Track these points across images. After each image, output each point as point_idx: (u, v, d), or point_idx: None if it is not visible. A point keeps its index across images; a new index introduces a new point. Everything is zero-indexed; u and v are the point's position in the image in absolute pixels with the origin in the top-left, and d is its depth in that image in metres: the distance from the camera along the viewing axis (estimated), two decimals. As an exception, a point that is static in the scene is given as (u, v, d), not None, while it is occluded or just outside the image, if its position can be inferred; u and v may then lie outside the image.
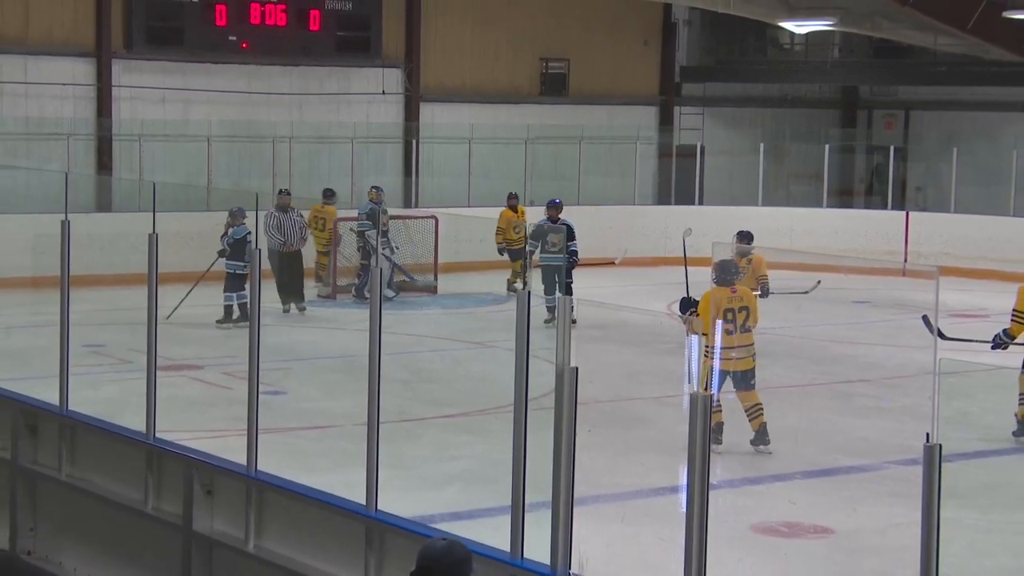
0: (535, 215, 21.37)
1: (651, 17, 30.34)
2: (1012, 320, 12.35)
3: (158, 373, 8.83)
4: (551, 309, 17.73)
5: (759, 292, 15.11)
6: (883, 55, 32.81)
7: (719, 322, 11.16)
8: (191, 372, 14.57)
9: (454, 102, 27.87)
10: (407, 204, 25.82)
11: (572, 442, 6.09)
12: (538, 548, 6.28)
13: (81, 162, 23.64)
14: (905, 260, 25.49)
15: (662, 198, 29.22)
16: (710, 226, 22.51)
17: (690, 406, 5.50)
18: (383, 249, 19.92)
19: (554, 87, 29.19)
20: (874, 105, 33.92)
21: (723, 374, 11.20)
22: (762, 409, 11.40)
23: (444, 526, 7.85)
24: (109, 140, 24.14)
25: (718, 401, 11.00)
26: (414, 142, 26.84)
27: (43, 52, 23.44)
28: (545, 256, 18.47)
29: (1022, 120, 29.81)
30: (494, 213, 21.19)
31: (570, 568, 6.16)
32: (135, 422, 8.96)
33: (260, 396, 8.06)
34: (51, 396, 9.68)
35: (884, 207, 28.10)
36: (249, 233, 17.77)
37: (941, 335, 11.79)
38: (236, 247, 17.78)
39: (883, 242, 26.08)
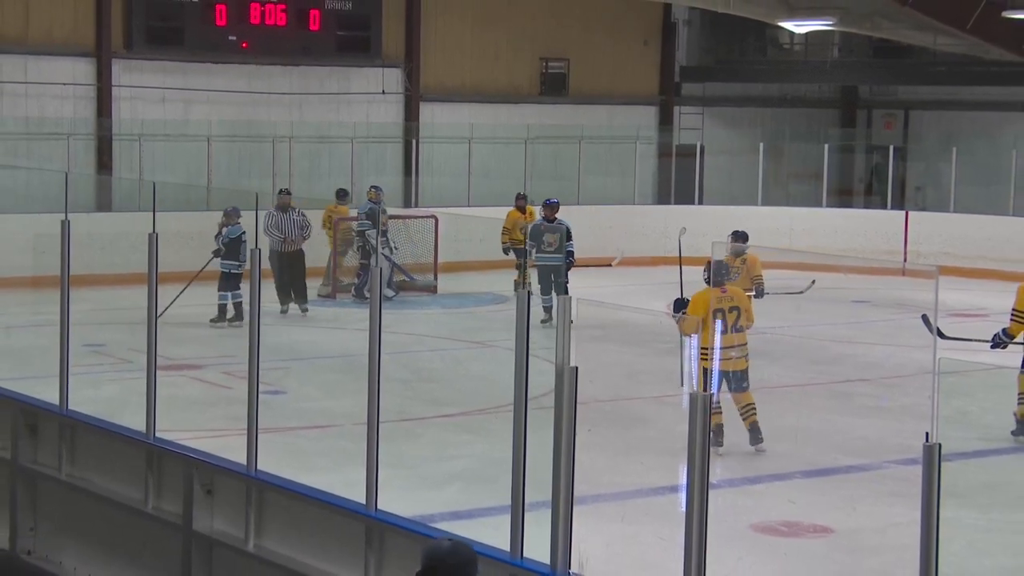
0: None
1: (651, 17, 30.35)
2: (1011, 319, 12.35)
3: (158, 373, 8.84)
4: (547, 309, 17.75)
5: (754, 292, 15.10)
6: (883, 55, 32.81)
7: (718, 322, 11.15)
8: (191, 372, 14.58)
9: (454, 102, 27.87)
10: (407, 204, 25.82)
11: (572, 441, 6.10)
12: (538, 547, 6.28)
13: (81, 162, 23.65)
14: (904, 260, 25.50)
15: (662, 198, 29.22)
16: (710, 226, 22.52)
17: (690, 406, 5.51)
18: (383, 249, 19.92)
19: (554, 87, 29.20)
20: (874, 105, 33.93)
21: (717, 374, 11.18)
22: (755, 409, 11.40)
23: (444, 525, 7.86)
24: (109, 140, 24.14)
25: (718, 402, 11.00)
26: (414, 142, 26.85)
27: (43, 52, 23.45)
28: (541, 256, 18.46)
29: (1022, 120, 29.81)
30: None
31: (570, 567, 6.16)
32: (135, 422, 8.97)
33: (260, 396, 8.06)
34: (51, 396, 9.68)
35: (884, 207, 28.10)
36: (244, 232, 17.78)
37: (940, 334, 11.79)
38: (230, 247, 17.78)
39: (883, 242, 26.09)
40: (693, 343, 10.18)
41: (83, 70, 23.90)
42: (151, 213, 9.55)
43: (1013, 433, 12.21)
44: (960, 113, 31.31)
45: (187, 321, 17.56)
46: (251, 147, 25.12)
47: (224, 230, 17.89)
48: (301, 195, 22.93)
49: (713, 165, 29.34)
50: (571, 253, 18.40)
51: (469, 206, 25.48)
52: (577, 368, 6.05)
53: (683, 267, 13.28)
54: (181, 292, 16.97)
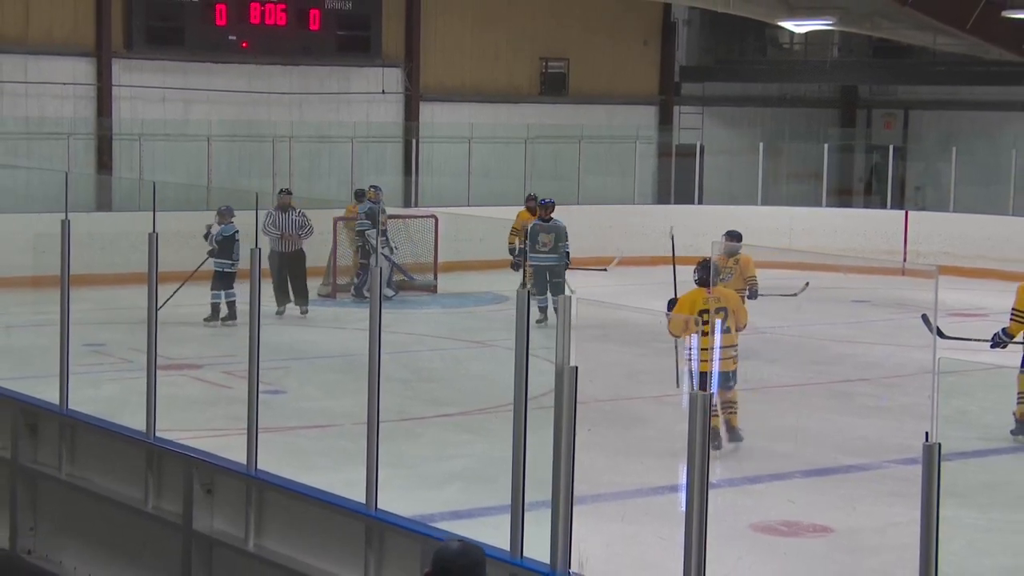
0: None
1: (651, 17, 30.35)
2: (1011, 319, 12.35)
3: (158, 372, 8.84)
4: (543, 310, 17.74)
5: (747, 293, 15.09)
6: (882, 55, 32.82)
7: (719, 322, 11.14)
8: (191, 371, 14.58)
9: (454, 102, 27.88)
10: (407, 203, 25.83)
11: (572, 441, 6.10)
12: (538, 547, 6.29)
13: (81, 161, 23.66)
14: (904, 259, 25.51)
15: (662, 197, 29.23)
16: (709, 225, 22.52)
17: (690, 405, 5.52)
18: (382, 249, 19.92)
19: (554, 87, 29.20)
20: (873, 104, 33.93)
21: (716, 375, 11.15)
22: (736, 408, 11.36)
23: (444, 525, 7.86)
24: (109, 140, 24.15)
25: (715, 405, 11.00)
26: (414, 141, 26.85)
27: (43, 52, 23.46)
28: (536, 256, 18.44)
29: (1021, 120, 29.81)
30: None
31: (570, 567, 6.17)
32: (135, 421, 8.97)
33: (260, 395, 8.06)
34: (51, 395, 9.69)
35: (883, 206, 28.10)
36: (237, 232, 17.78)
37: (940, 334, 11.79)
38: (223, 245, 17.79)
39: (882, 241, 26.09)
40: (693, 343, 10.17)
41: (83, 70, 23.91)
42: (151, 213, 9.54)
43: (1012, 432, 12.21)
44: (960, 113, 31.32)
45: (187, 321, 17.58)
46: (251, 147, 25.13)
47: (214, 230, 17.88)
48: (301, 195, 22.92)
49: (713, 165, 29.35)
50: (566, 254, 18.36)
51: (469, 206, 25.49)
52: (577, 368, 6.05)
53: (678, 267, 13.27)
54: (174, 293, 16.96)
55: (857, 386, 14.49)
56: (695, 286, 11.73)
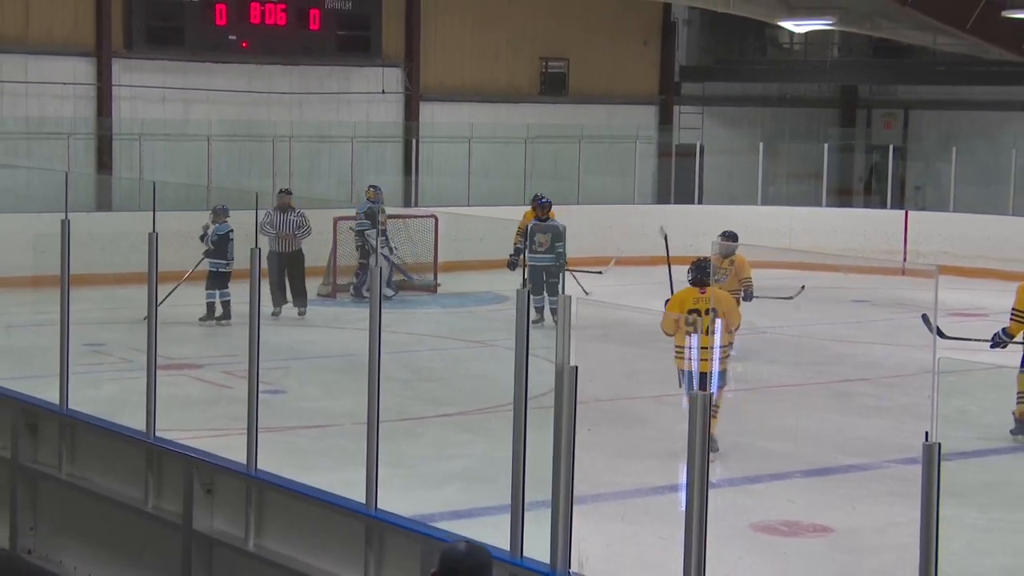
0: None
1: (651, 17, 30.35)
2: (1011, 319, 12.35)
3: (158, 372, 8.84)
4: (539, 310, 17.73)
5: (742, 294, 15.08)
6: (882, 55, 32.82)
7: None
8: (191, 371, 14.58)
9: (454, 101, 27.88)
10: (407, 203, 25.83)
11: (572, 441, 6.10)
12: (538, 547, 6.29)
13: (81, 161, 23.65)
14: (904, 259, 25.50)
15: (662, 197, 29.23)
16: (709, 225, 22.53)
17: (689, 405, 5.52)
18: (382, 248, 19.92)
19: (554, 87, 29.20)
20: (873, 104, 33.93)
21: (685, 374, 11.11)
22: (716, 412, 11.29)
23: (444, 525, 7.86)
24: (109, 139, 24.15)
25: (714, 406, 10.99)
26: (414, 141, 26.85)
27: (43, 52, 23.45)
28: (532, 256, 18.43)
29: (1021, 120, 29.82)
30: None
31: (570, 567, 6.17)
32: (135, 421, 8.97)
33: (260, 395, 8.06)
34: (51, 395, 9.69)
35: (883, 206, 28.10)
36: (231, 231, 17.77)
37: (940, 333, 11.79)
38: (218, 245, 17.79)
39: (882, 241, 26.09)
40: (693, 343, 10.17)
41: (83, 70, 23.91)
42: (151, 213, 9.54)
43: (1012, 432, 12.21)
44: (960, 113, 31.32)
45: (188, 321, 17.59)
46: (251, 147, 25.13)
47: (209, 229, 17.88)
48: (301, 195, 22.92)
49: (713, 165, 29.35)
50: (562, 254, 18.35)
51: (469, 206, 25.49)
52: (577, 368, 6.06)
53: (674, 266, 13.27)
54: (169, 293, 16.96)
55: (857, 386, 14.50)
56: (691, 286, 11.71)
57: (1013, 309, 12.33)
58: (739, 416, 11.47)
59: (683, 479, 5.55)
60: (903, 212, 26.92)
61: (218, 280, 17.83)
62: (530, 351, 6.29)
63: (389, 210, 21.32)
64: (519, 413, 6.29)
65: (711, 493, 5.51)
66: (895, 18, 28.52)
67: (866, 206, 30.30)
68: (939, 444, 4.94)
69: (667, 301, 12.08)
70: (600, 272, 19.27)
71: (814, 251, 25.83)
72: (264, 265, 17.60)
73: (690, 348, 10.88)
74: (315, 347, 17.23)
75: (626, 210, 26.71)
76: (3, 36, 23.16)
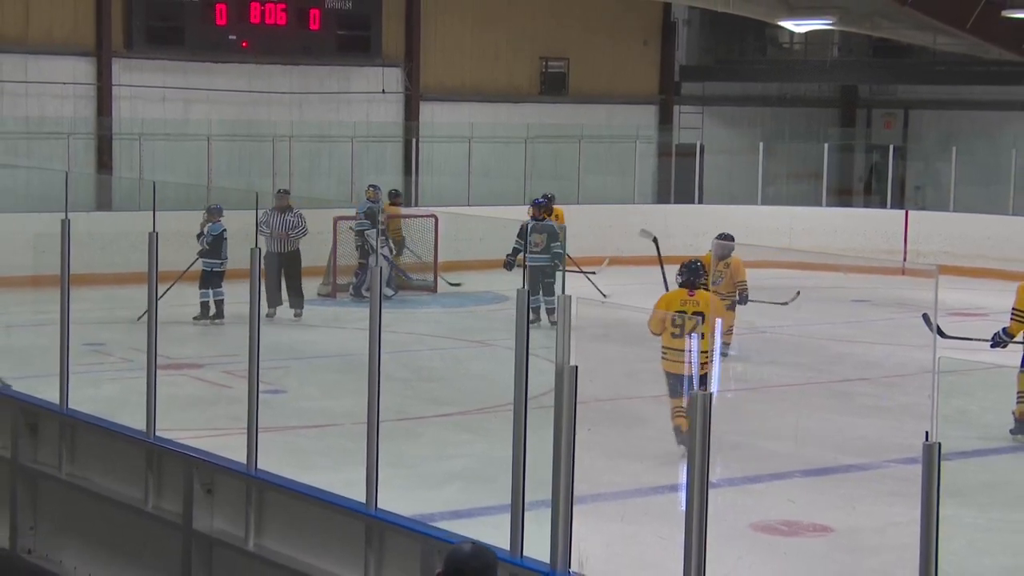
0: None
1: (651, 17, 30.36)
2: (1011, 319, 12.35)
3: (158, 372, 8.84)
4: (535, 310, 17.72)
5: (737, 298, 15.07)
6: (882, 54, 32.83)
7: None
8: (191, 371, 14.58)
9: (454, 101, 27.88)
10: (407, 203, 25.82)
11: (572, 441, 6.10)
12: (538, 546, 6.29)
13: (81, 161, 23.66)
14: (904, 259, 25.50)
15: (662, 197, 29.23)
16: (709, 225, 22.54)
17: (690, 406, 5.51)
18: (381, 248, 19.91)
19: (554, 86, 29.21)
20: (873, 104, 33.93)
21: (672, 376, 11.10)
22: None
23: (444, 524, 7.86)
24: (109, 139, 24.16)
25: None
26: (414, 141, 26.86)
27: (43, 51, 23.46)
28: (529, 257, 18.43)
29: (1021, 119, 29.82)
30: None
31: (570, 567, 6.17)
32: (135, 421, 8.97)
33: (260, 395, 8.06)
34: (51, 395, 9.68)
35: (883, 206, 28.10)
36: (225, 231, 17.77)
37: (941, 333, 11.78)
38: (212, 244, 17.79)
39: (882, 241, 26.10)
40: (693, 343, 10.16)
41: (83, 69, 23.91)
42: (151, 212, 9.54)
43: (1012, 432, 12.21)
44: (960, 113, 31.32)
45: (187, 320, 17.59)
46: (251, 146, 25.13)
47: (206, 228, 17.88)
48: (301, 195, 22.93)
49: (713, 164, 29.35)
50: (558, 254, 18.35)
51: (469, 205, 25.49)
52: (577, 367, 6.05)
53: (667, 266, 13.25)
54: (164, 293, 16.95)
55: (857, 386, 14.49)
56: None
57: (1013, 309, 12.33)
58: (739, 416, 11.46)
59: (683, 479, 5.55)
60: (903, 212, 26.92)
61: (212, 279, 17.82)
62: (530, 351, 6.29)
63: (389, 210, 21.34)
64: (519, 413, 6.29)
65: (711, 493, 5.51)
66: (895, 18, 28.53)
67: (866, 206, 30.30)
68: (939, 444, 4.94)
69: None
70: (594, 272, 19.26)
71: (814, 251, 25.83)
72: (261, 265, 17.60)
73: (690, 351, 10.86)
74: (315, 347, 17.23)
75: (626, 210, 26.70)
76: (3, 36, 23.17)
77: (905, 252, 25.86)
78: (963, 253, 25.05)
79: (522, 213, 19.80)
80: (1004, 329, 12.42)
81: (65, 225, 9.52)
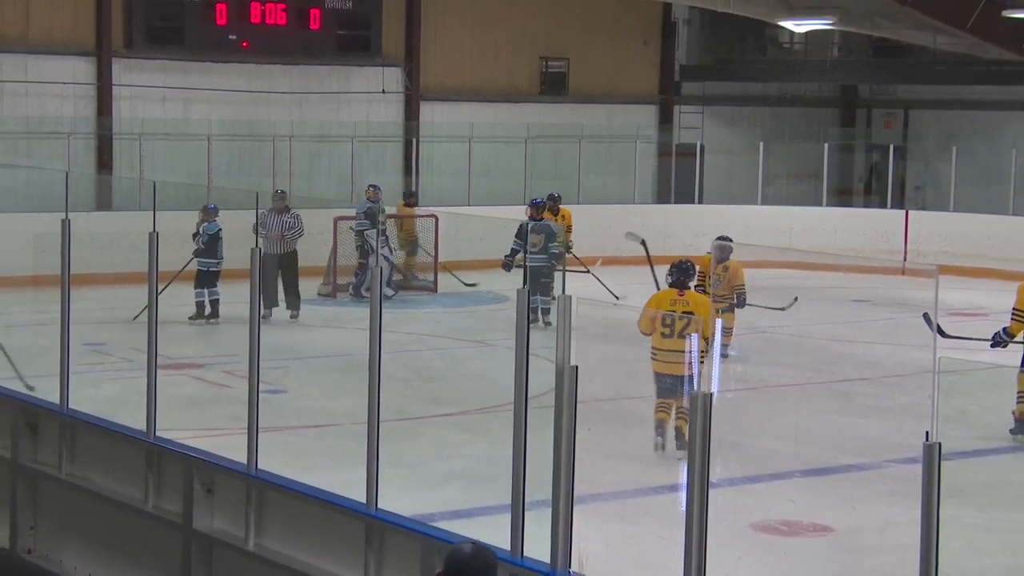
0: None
1: (651, 16, 30.35)
2: (1012, 319, 12.36)
3: (158, 372, 8.84)
4: (532, 310, 17.71)
5: (735, 301, 15.05)
6: (882, 54, 32.82)
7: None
8: (191, 371, 14.58)
9: (454, 101, 27.88)
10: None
11: (572, 441, 6.10)
12: (538, 546, 6.29)
13: (81, 161, 23.65)
14: (904, 259, 25.50)
15: (662, 197, 29.24)
16: (709, 225, 22.54)
17: (690, 405, 5.51)
18: (381, 248, 19.91)
19: (554, 86, 29.20)
20: (873, 104, 33.93)
21: (661, 376, 11.08)
22: (688, 416, 11.23)
23: (444, 524, 7.86)
24: (109, 139, 24.15)
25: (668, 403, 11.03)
26: (414, 141, 26.86)
27: (43, 51, 23.46)
28: (529, 257, 18.43)
29: (1021, 119, 29.82)
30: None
31: (570, 566, 6.17)
32: (135, 421, 8.97)
33: (260, 395, 8.06)
34: (51, 395, 9.69)
35: (883, 206, 28.10)
36: (220, 230, 17.76)
37: (941, 332, 11.79)
38: (207, 244, 17.78)
39: (882, 241, 26.09)
40: (693, 343, 10.15)
41: (83, 69, 23.91)
42: (151, 212, 9.54)
43: (1012, 432, 12.21)
44: (960, 112, 31.32)
45: (186, 320, 17.58)
46: (251, 146, 25.13)
47: (202, 228, 17.87)
48: (301, 194, 22.93)
49: (713, 164, 29.35)
50: (555, 255, 18.35)
51: (469, 205, 25.49)
52: (577, 367, 6.05)
53: (657, 267, 13.23)
54: (160, 292, 16.92)
55: (857, 386, 14.49)
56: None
57: (1014, 309, 12.34)
58: (739, 416, 11.45)
59: (683, 479, 5.55)
60: (903, 212, 26.92)
61: (207, 279, 17.82)
62: (530, 351, 6.29)
63: (389, 210, 21.32)
64: (519, 413, 6.29)
65: (711, 493, 5.51)
66: (895, 18, 28.52)
67: (866, 206, 30.30)
68: (939, 444, 4.94)
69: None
70: (588, 270, 19.24)
71: (814, 251, 25.84)
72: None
73: (684, 351, 10.86)
74: (315, 347, 17.22)
75: (626, 210, 26.69)
76: (3, 36, 23.16)
77: (905, 252, 25.86)
78: (963, 253, 25.05)
79: (522, 213, 19.78)
80: (1004, 329, 12.43)
81: (65, 225, 9.52)
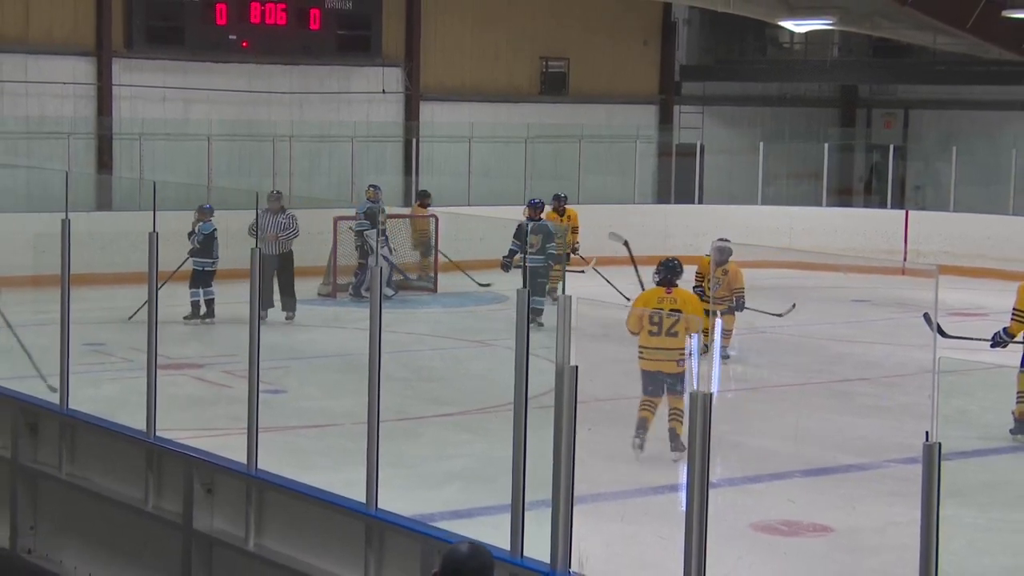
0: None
1: (651, 16, 30.35)
2: (1012, 319, 12.36)
3: (158, 372, 8.84)
4: (533, 311, 17.67)
5: (734, 304, 15.04)
6: (882, 54, 32.82)
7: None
8: (191, 371, 14.58)
9: (454, 101, 27.88)
10: (407, 203, 25.81)
11: (572, 440, 6.10)
12: (538, 546, 6.29)
13: (81, 161, 23.65)
14: (904, 259, 25.50)
15: (662, 197, 29.23)
16: (709, 225, 22.54)
17: (689, 405, 5.51)
18: (381, 248, 19.90)
19: (554, 86, 29.21)
20: (873, 104, 33.93)
21: (648, 374, 11.07)
22: (681, 416, 11.21)
23: (444, 524, 7.86)
24: (109, 139, 24.15)
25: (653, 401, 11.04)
26: (414, 141, 26.86)
27: (43, 51, 23.45)
28: (528, 258, 18.43)
29: (1021, 119, 29.82)
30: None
31: (570, 566, 6.17)
32: (135, 421, 8.97)
33: (260, 395, 8.07)
34: (51, 395, 9.68)
35: (883, 206, 28.10)
36: (215, 230, 17.76)
37: (942, 332, 11.79)
38: (203, 244, 17.78)
39: (882, 241, 26.09)
40: (693, 343, 10.14)
41: (83, 69, 23.91)
42: (151, 212, 9.55)
43: (1012, 432, 12.21)
44: (960, 112, 31.32)
45: (182, 320, 17.58)
46: (251, 146, 25.13)
47: (197, 227, 17.87)
48: (301, 194, 22.93)
49: (713, 164, 29.35)
50: (552, 255, 18.34)
51: (469, 205, 25.48)
52: (577, 367, 6.05)
53: (641, 267, 13.23)
54: (156, 291, 16.89)
55: (857, 386, 14.49)
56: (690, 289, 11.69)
57: (1014, 309, 12.34)
58: (739, 416, 11.45)
59: (683, 479, 5.55)
60: (903, 212, 26.92)
61: (202, 279, 17.81)
62: (530, 351, 6.29)
63: (389, 210, 21.31)
64: (519, 413, 6.29)
65: (711, 493, 5.51)
66: (895, 18, 28.52)
67: (866, 206, 30.29)
68: (939, 444, 4.94)
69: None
70: (583, 271, 19.24)
71: (814, 251, 25.83)
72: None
73: (674, 350, 10.86)
74: (315, 347, 17.22)
75: (626, 210, 26.68)
76: (3, 36, 23.16)
77: (905, 252, 25.85)
78: (963, 253, 25.04)
79: (522, 213, 19.79)
80: (1004, 329, 12.43)
81: (65, 225, 9.52)
